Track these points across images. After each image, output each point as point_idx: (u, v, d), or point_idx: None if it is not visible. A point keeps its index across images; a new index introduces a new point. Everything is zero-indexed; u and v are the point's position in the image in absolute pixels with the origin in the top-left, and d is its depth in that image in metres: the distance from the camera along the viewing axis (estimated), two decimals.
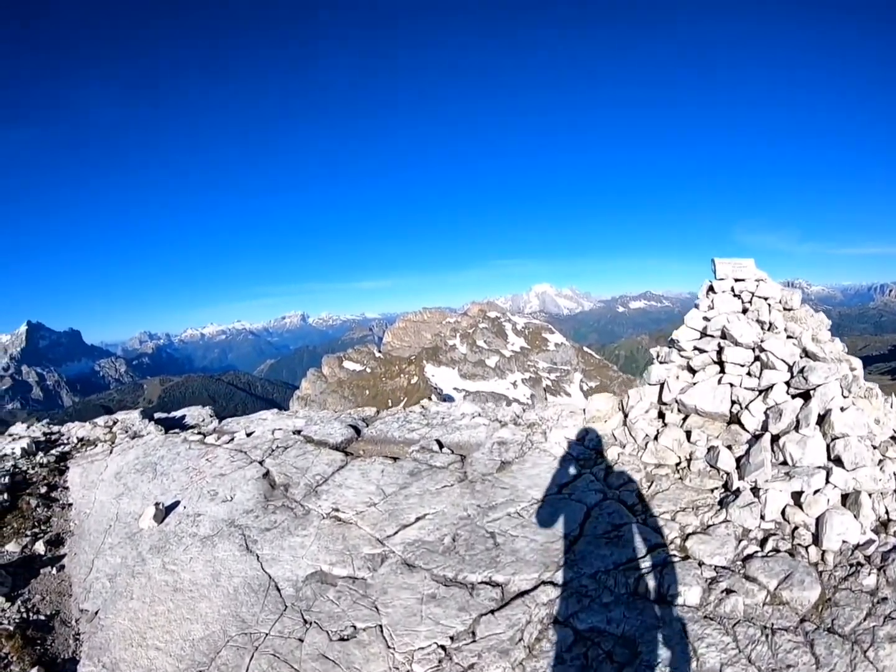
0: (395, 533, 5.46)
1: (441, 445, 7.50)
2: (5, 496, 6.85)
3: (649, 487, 5.63)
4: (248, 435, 8.77)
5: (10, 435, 10.07)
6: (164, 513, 6.25)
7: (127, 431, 10.16)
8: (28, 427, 10.92)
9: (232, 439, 8.58)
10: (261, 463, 7.33)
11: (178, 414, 12.92)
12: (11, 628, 4.45)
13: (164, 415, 13.20)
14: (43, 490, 7.32)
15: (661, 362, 6.87)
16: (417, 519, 5.66)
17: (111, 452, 8.76)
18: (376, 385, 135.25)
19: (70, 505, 7.03)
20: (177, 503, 6.55)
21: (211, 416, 12.30)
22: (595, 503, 5.47)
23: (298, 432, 8.58)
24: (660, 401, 6.70)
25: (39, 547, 5.94)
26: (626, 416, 6.90)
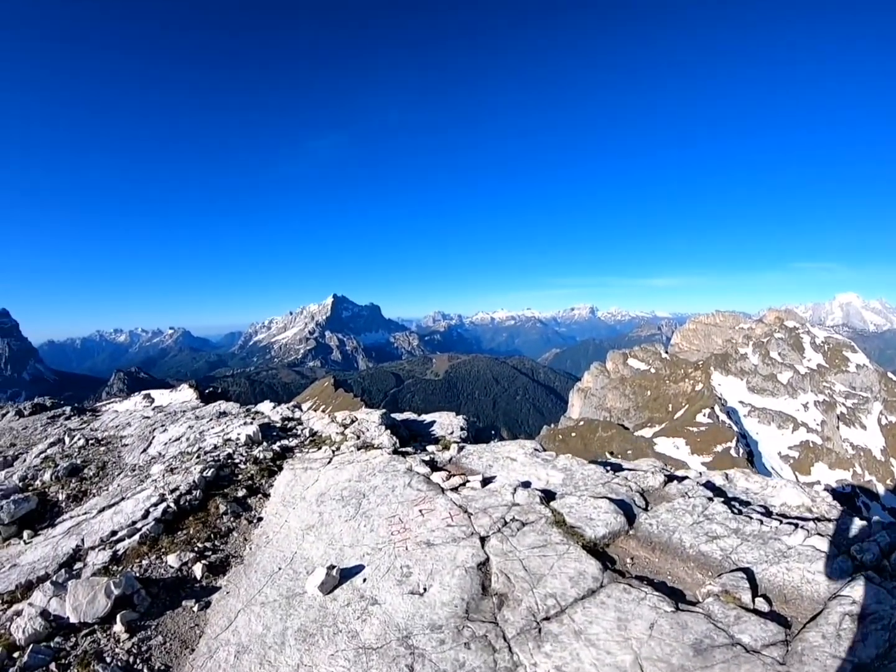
0: None
1: (754, 588, 4.50)
2: (198, 493, 6.38)
3: None
4: (485, 484, 7.03)
5: (257, 413, 10.65)
6: (335, 581, 4.92)
7: (359, 437, 9.65)
8: (274, 408, 11.57)
9: (464, 484, 6.97)
10: (482, 541, 5.44)
11: (427, 419, 12.10)
12: None
13: (412, 416, 12.51)
14: (241, 493, 6.77)
15: None
16: None
17: (329, 462, 8.19)
18: (659, 387, 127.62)
19: (259, 520, 6.35)
20: (358, 569, 5.18)
21: (462, 430, 11.10)
22: None
23: (548, 498, 6.45)
24: None
25: (197, 570, 5.19)
26: None
